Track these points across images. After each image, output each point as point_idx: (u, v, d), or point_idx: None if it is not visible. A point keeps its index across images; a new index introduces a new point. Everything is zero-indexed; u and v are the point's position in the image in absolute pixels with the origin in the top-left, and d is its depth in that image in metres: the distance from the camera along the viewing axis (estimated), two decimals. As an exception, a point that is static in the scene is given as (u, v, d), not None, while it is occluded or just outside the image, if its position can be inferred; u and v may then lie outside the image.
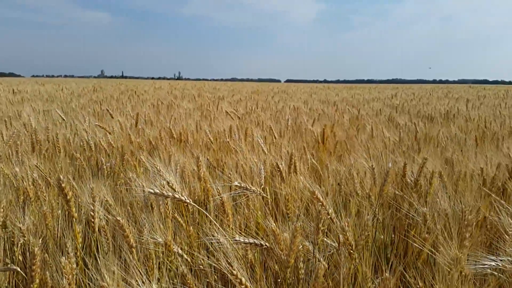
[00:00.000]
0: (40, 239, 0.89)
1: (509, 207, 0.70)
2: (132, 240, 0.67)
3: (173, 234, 0.87)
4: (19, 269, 0.85)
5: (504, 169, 1.19)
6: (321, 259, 0.71)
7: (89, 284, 0.54)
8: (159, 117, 2.70)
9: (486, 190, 1.12)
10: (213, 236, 0.79)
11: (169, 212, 0.85)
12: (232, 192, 0.84)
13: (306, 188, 1.15)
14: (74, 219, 0.66)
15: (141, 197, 0.97)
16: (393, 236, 1.07)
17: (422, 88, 17.00)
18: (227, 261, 0.61)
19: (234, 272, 0.59)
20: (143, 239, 0.73)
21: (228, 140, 1.81)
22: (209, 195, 1.06)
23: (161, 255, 0.74)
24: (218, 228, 0.71)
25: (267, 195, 1.08)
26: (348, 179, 1.14)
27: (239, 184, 0.78)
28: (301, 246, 0.72)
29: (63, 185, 0.63)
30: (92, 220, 0.69)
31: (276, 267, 0.87)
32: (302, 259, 0.70)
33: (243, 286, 0.59)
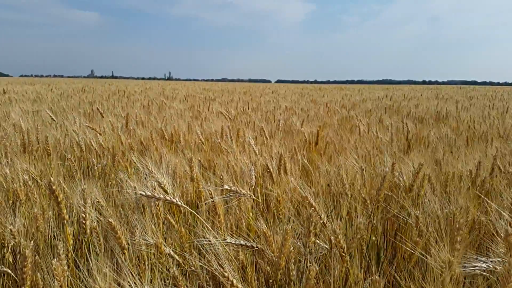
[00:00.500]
0: (32, 241, 0.88)
1: (498, 208, 0.71)
2: (124, 242, 0.67)
3: (164, 236, 0.87)
4: (9, 271, 0.84)
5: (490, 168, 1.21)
6: (313, 261, 0.71)
7: (80, 286, 0.54)
8: (150, 118, 2.69)
9: (476, 192, 1.13)
10: (204, 238, 0.79)
11: (161, 214, 0.85)
12: (224, 195, 0.84)
13: (296, 189, 1.16)
14: (65, 221, 0.66)
15: (133, 198, 0.97)
16: (383, 238, 1.08)
17: (412, 88, 17.13)
18: (218, 262, 0.61)
19: (226, 274, 0.59)
20: (135, 240, 0.73)
21: (219, 141, 1.81)
22: (201, 196, 1.07)
23: (152, 256, 0.74)
24: (210, 230, 0.71)
25: (258, 197, 1.08)
26: (338, 180, 1.15)
27: (228, 188, 0.79)
28: (292, 248, 0.72)
29: (54, 187, 0.63)
30: (84, 221, 0.69)
31: (267, 268, 0.88)
32: (293, 260, 0.71)
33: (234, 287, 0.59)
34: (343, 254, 0.70)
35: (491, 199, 1.12)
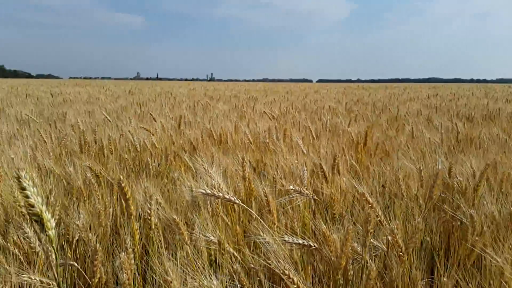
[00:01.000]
0: (95, 236, 0.93)
1: None
2: (186, 238, 0.70)
3: (223, 233, 0.90)
4: (76, 264, 0.90)
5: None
6: (371, 261, 0.71)
7: (152, 278, 0.57)
8: (197, 119, 2.76)
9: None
10: (260, 236, 0.81)
11: (220, 211, 0.88)
12: (286, 196, 0.86)
13: (348, 189, 1.16)
14: (132, 217, 0.69)
15: (189, 196, 1.01)
16: (441, 238, 1.06)
17: (459, 87, 16.51)
18: (278, 260, 0.63)
19: (286, 271, 0.61)
20: (194, 236, 0.76)
21: (267, 140, 1.84)
22: (252, 195, 1.09)
23: (212, 252, 0.76)
24: (267, 228, 0.73)
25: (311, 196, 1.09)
26: (393, 180, 1.14)
27: (291, 188, 0.80)
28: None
29: (123, 184, 0.67)
30: (149, 217, 0.72)
31: (320, 267, 0.89)
32: (350, 260, 0.71)
33: (295, 286, 0.61)
34: (401, 254, 0.70)
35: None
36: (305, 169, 1.20)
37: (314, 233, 0.96)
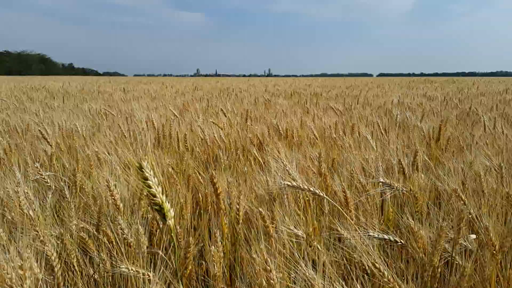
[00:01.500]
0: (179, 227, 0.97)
1: None
2: (271, 230, 0.72)
3: (306, 226, 0.91)
4: (160, 252, 0.94)
5: None
6: (460, 259, 0.69)
7: (240, 269, 0.59)
8: (262, 114, 2.78)
9: None
10: (339, 230, 0.81)
11: (301, 205, 0.88)
12: (378, 189, 0.85)
13: (428, 185, 1.12)
14: (221, 211, 0.72)
15: (264, 189, 1.02)
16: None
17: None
18: (364, 255, 0.62)
19: (377, 265, 0.60)
20: (278, 229, 0.77)
21: (334, 135, 1.82)
22: (328, 190, 1.08)
23: (295, 245, 0.77)
24: (351, 223, 0.73)
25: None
26: (474, 177, 1.09)
27: (383, 181, 0.79)
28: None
29: (214, 180, 0.69)
30: (237, 211, 0.74)
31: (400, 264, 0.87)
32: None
33: (385, 279, 0.60)
34: (494, 252, 0.67)
35: None
36: (380, 164, 1.18)
37: (398, 229, 0.95)
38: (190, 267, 0.74)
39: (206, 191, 1.10)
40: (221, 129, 1.86)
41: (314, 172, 1.25)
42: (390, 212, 0.94)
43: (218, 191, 0.70)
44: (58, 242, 0.73)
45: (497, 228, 0.69)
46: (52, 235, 0.74)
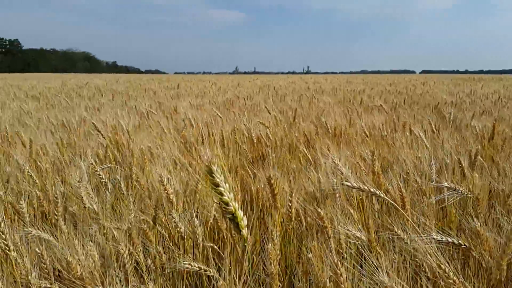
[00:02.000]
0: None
1: None
2: (330, 231, 0.71)
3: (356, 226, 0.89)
4: (214, 245, 0.95)
5: None
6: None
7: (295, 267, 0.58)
8: (306, 111, 2.76)
9: None
10: (396, 231, 0.79)
11: (355, 204, 0.87)
12: (443, 194, 0.82)
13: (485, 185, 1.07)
14: (277, 210, 0.71)
15: (315, 187, 1.01)
16: None
17: None
18: (426, 255, 0.60)
19: (442, 266, 0.58)
20: (334, 230, 0.76)
21: (385, 133, 1.78)
22: (381, 189, 1.06)
23: (351, 246, 0.76)
24: (412, 224, 0.71)
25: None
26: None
27: (448, 186, 0.76)
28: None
29: (272, 181, 0.69)
30: (289, 210, 0.74)
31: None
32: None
33: (450, 280, 0.58)
34: None
35: None
36: (433, 163, 1.14)
37: (461, 232, 0.91)
38: (247, 264, 0.75)
39: (258, 187, 1.10)
40: (267, 127, 1.85)
41: (365, 170, 1.22)
42: (452, 213, 0.91)
43: (275, 192, 0.70)
44: (122, 235, 0.75)
45: None
46: (118, 228, 0.76)
